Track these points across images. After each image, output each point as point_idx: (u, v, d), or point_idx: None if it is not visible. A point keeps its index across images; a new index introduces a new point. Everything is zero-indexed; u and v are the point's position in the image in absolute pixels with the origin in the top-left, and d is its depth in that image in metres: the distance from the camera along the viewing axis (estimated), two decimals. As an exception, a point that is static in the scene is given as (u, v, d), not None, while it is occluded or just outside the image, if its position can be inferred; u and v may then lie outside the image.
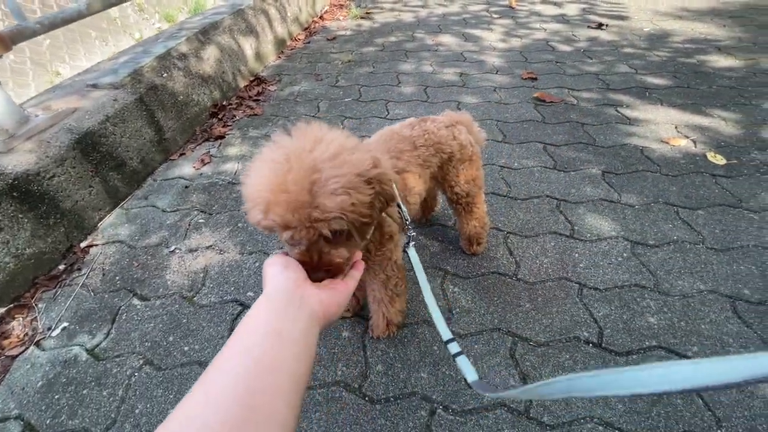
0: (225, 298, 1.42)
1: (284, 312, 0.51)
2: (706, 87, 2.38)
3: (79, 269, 1.60)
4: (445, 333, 0.84)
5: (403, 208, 0.94)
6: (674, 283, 1.33)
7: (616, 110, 2.26)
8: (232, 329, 1.31)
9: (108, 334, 1.34)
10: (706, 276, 1.35)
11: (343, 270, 0.68)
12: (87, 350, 1.30)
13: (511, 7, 4.03)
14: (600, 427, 1.00)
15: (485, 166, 1.93)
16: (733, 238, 1.47)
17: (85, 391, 1.18)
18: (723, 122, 2.07)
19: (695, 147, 1.92)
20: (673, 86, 2.43)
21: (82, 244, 1.70)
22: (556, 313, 1.28)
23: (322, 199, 0.59)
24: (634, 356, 1.14)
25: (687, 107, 2.22)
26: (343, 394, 1.11)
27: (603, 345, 1.18)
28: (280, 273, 0.57)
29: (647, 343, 1.18)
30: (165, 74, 2.19)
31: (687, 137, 1.98)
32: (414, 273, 0.89)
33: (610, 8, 3.72)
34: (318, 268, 0.65)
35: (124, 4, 5.23)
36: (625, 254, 1.45)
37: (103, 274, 1.56)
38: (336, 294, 0.61)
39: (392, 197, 0.74)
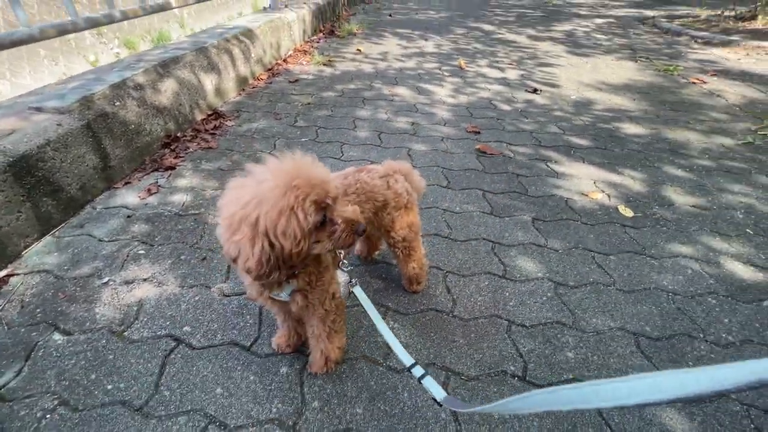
0: (159, 333, 1.37)
1: None
2: (619, 149, 2.76)
3: (-6, 300, 1.47)
4: (407, 359, 0.93)
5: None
6: (589, 320, 1.49)
7: (546, 164, 2.54)
8: (163, 366, 1.26)
9: (19, 372, 1.23)
10: (616, 314, 1.52)
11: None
12: (-9, 391, 1.18)
13: (460, 68, 4.47)
14: None
15: (429, 209, 2.07)
16: (638, 281, 1.67)
17: (-17, 438, 1.07)
18: (632, 180, 2.39)
19: (609, 200, 2.20)
20: (593, 147, 2.79)
21: (1, 273, 1.57)
22: (487, 348, 1.36)
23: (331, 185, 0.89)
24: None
25: (603, 165, 2.55)
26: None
27: (527, 378, 1.27)
28: None
29: (565, 376, 1.29)
30: (118, 103, 2.18)
31: (603, 191, 2.27)
32: (356, 310, 0.96)
33: (544, 77, 4.25)
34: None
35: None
36: (549, 294, 1.59)
37: (22, 306, 1.45)
38: None
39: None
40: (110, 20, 2.38)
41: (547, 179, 2.38)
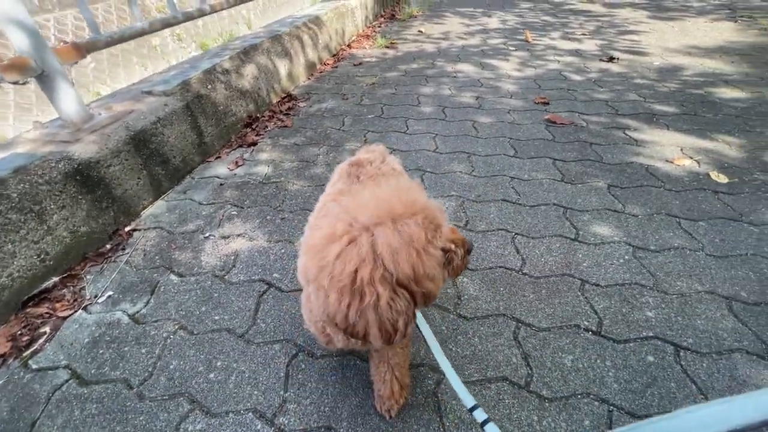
0: (253, 277, 1.56)
1: None
2: (712, 115, 2.49)
3: (123, 249, 1.77)
4: (469, 400, 0.78)
5: None
6: (673, 283, 1.41)
7: (624, 133, 2.39)
8: (258, 304, 1.44)
9: (147, 303, 1.49)
10: (705, 279, 1.42)
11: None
12: (129, 315, 1.44)
13: (527, 41, 4.28)
14: (596, 402, 1.07)
15: (495, 177, 2.07)
16: (732, 247, 1.54)
17: (126, 348, 1.32)
18: (727, 146, 2.17)
19: (699, 167, 2.02)
20: (680, 113, 2.55)
21: (127, 228, 1.89)
22: (558, 304, 1.36)
23: None
24: (631, 344, 1.21)
25: (693, 132, 2.33)
26: None
27: (602, 333, 1.26)
28: None
29: (644, 333, 1.25)
30: (209, 86, 2.45)
31: (691, 158, 2.08)
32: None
33: (624, 45, 3.92)
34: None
35: (165, 33, 5.76)
36: (626, 257, 1.53)
37: (144, 254, 1.73)
38: None
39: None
40: (201, 13, 2.66)
41: (625, 146, 2.24)
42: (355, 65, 3.97)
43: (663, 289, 1.39)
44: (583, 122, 2.54)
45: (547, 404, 1.08)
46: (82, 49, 1.88)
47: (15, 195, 1.46)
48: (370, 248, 0.64)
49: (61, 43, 1.80)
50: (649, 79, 3.11)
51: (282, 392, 1.16)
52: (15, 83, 1.63)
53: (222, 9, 2.85)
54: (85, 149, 1.73)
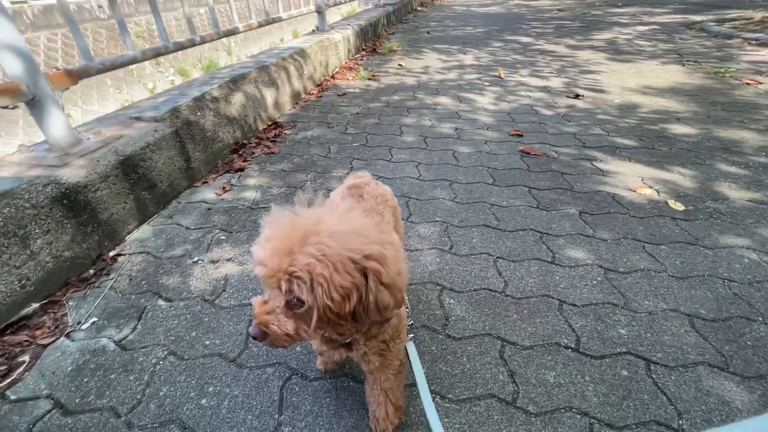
0: (244, 302, 1.57)
1: None
2: (667, 149, 2.75)
3: (108, 274, 1.74)
4: None
5: (406, 298, 0.94)
6: (641, 302, 1.53)
7: (591, 164, 2.59)
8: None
9: (134, 329, 1.47)
10: (669, 298, 1.55)
11: (275, 342, 0.69)
12: (115, 342, 1.41)
13: (500, 77, 4.59)
14: (578, 416, 1.14)
15: (476, 203, 2.19)
16: (690, 268, 1.69)
17: (112, 376, 1.29)
18: (682, 177, 2.39)
19: (659, 195, 2.21)
20: (639, 147, 2.80)
21: (111, 253, 1.86)
22: (540, 323, 1.45)
23: (299, 255, 0.62)
24: (607, 360, 1.30)
25: (651, 164, 2.56)
26: None
27: (580, 350, 1.34)
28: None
29: (618, 349, 1.34)
30: (198, 113, 2.50)
31: (651, 187, 2.28)
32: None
33: (586, 83, 4.28)
34: (258, 323, 0.68)
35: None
36: (599, 278, 1.65)
37: (130, 279, 1.71)
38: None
39: (385, 306, 0.68)
40: (192, 44, 2.74)
41: (593, 176, 2.43)
42: (339, 95, 4.12)
43: (633, 308, 1.50)
44: (554, 153, 2.74)
45: (533, 419, 1.14)
46: (74, 76, 1.90)
47: None
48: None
49: (54, 69, 1.82)
50: (610, 115, 3.40)
51: (276, 416, 1.16)
52: (4, 107, 1.63)
53: (212, 40, 2.94)
54: (73, 173, 1.73)
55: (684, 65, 4.78)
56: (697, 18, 7.79)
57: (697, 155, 2.65)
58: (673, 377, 1.25)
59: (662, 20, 8.11)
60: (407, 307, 1.02)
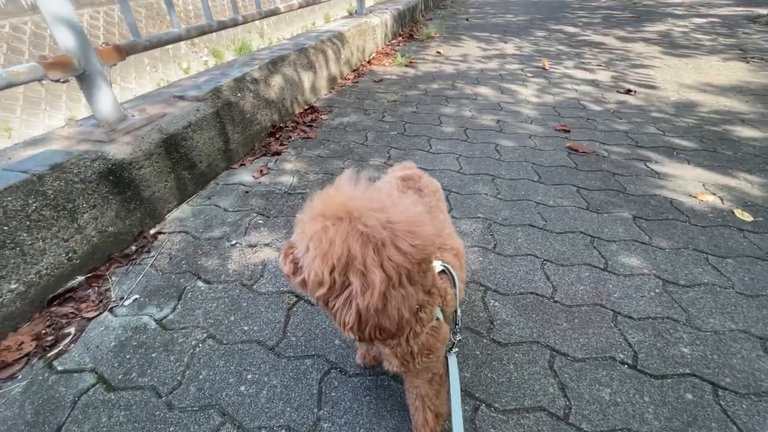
0: (282, 289, 1.54)
1: None
2: (731, 153, 2.53)
3: (149, 251, 1.76)
4: None
5: (458, 310, 0.91)
6: (706, 320, 1.41)
7: (645, 165, 2.42)
8: (288, 316, 1.43)
9: (174, 308, 1.47)
10: (737, 317, 1.42)
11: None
12: (156, 320, 1.42)
13: (544, 68, 4.37)
14: (637, 439, 1.06)
15: (521, 201, 2.08)
16: (762, 286, 1.54)
17: (153, 355, 1.29)
18: (749, 184, 2.19)
19: (722, 203, 2.04)
20: (699, 149, 2.59)
21: (152, 231, 1.88)
22: (593, 334, 1.35)
23: (318, 223, 0.63)
24: (669, 380, 1.20)
25: (713, 168, 2.36)
26: None
27: (638, 367, 1.25)
28: None
29: (681, 370, 1.24)
30: (239, 94, 2.48)
31: (714, 194, 2.10)
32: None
33: (638, 78, 4.01)
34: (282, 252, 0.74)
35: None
36: (657, 290, 1.53)
37: (170, 258, 1.72)
38: None
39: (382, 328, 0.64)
40: (234, 23, 2.71)
41: (648, 179, 2.27)
42: (375, 81, 4.03)
43: (696, 325, 1.38)
44: (604, 152, 2.57)
45: (586, 438, 1.06)
46: (122, 51, 1.90)
47: (50, 192, 1.46)
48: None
49: (103, 44, 1.82)
50: (666, 113, 3.17)
51: (315, 410, 1.13)
52: (56, 81, 1.65)
53: (254, 20, 2.90)
54: (119, 150, 1.74)
55: (748, 62, 4.40)
56: (763, 11, 7.17)
57: (766, 161, 2.42)
58: (744, 405, 1.14)
59: (722, 12, 7.51)
60: (457, 323, 0.92)
